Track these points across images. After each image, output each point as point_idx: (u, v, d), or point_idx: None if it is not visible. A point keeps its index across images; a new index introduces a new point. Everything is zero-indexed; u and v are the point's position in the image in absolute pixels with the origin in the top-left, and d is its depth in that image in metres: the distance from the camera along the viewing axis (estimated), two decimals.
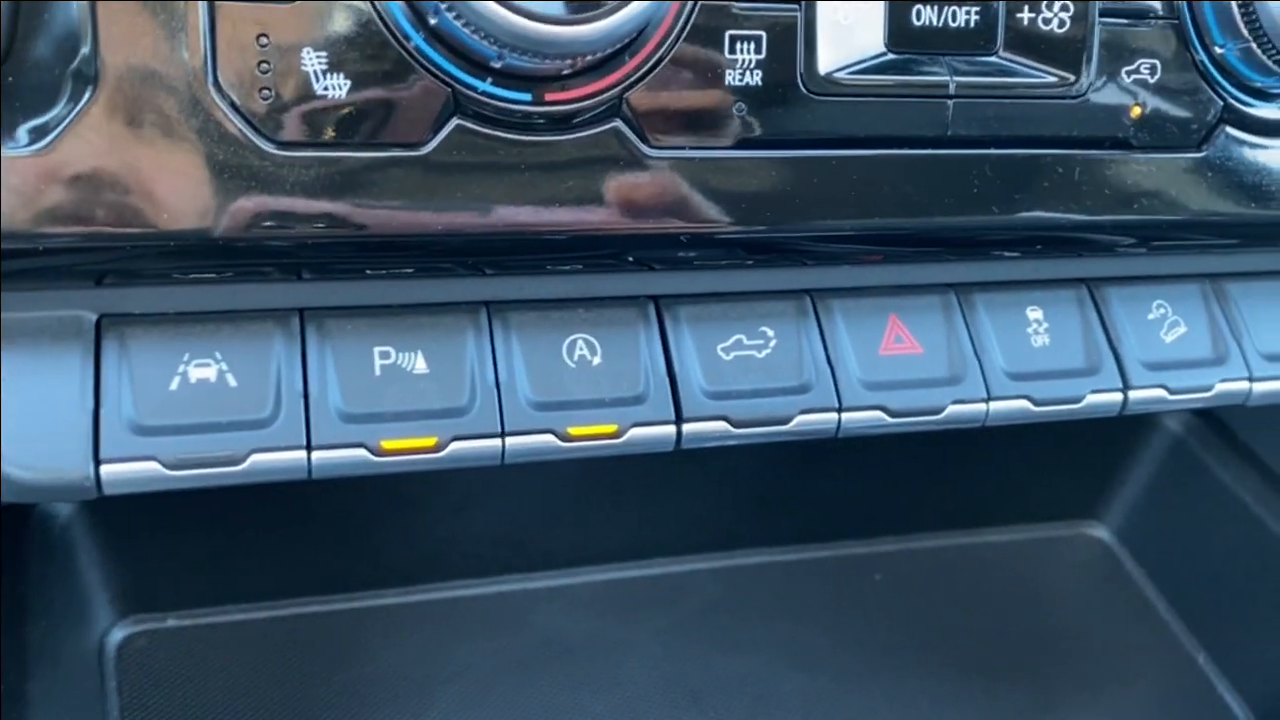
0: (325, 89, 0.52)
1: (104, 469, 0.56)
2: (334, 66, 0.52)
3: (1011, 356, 0.71)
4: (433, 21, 0.52)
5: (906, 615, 1.08)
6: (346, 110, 0.53)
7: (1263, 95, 0.67)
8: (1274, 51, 0.63)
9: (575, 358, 0.63)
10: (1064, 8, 0.62)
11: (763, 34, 0.57)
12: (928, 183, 0.62)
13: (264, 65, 0.51)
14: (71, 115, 0.50)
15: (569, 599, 1.04)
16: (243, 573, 0.97)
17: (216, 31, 0.50)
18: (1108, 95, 0.64)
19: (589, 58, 0.53)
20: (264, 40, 0.51)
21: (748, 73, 0.57)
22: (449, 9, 0.50)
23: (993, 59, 0.62)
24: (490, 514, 1.02)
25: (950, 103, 0.61)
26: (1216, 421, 1.10)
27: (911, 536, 1.14)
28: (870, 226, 0.62)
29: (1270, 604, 1.03)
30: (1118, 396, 0.73)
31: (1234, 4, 0.63)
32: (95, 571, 0.92)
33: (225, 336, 0.59)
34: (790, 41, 0.58)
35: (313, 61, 0.52)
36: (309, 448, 0.58)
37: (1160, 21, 0.64)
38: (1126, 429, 1.14)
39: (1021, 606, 1.11)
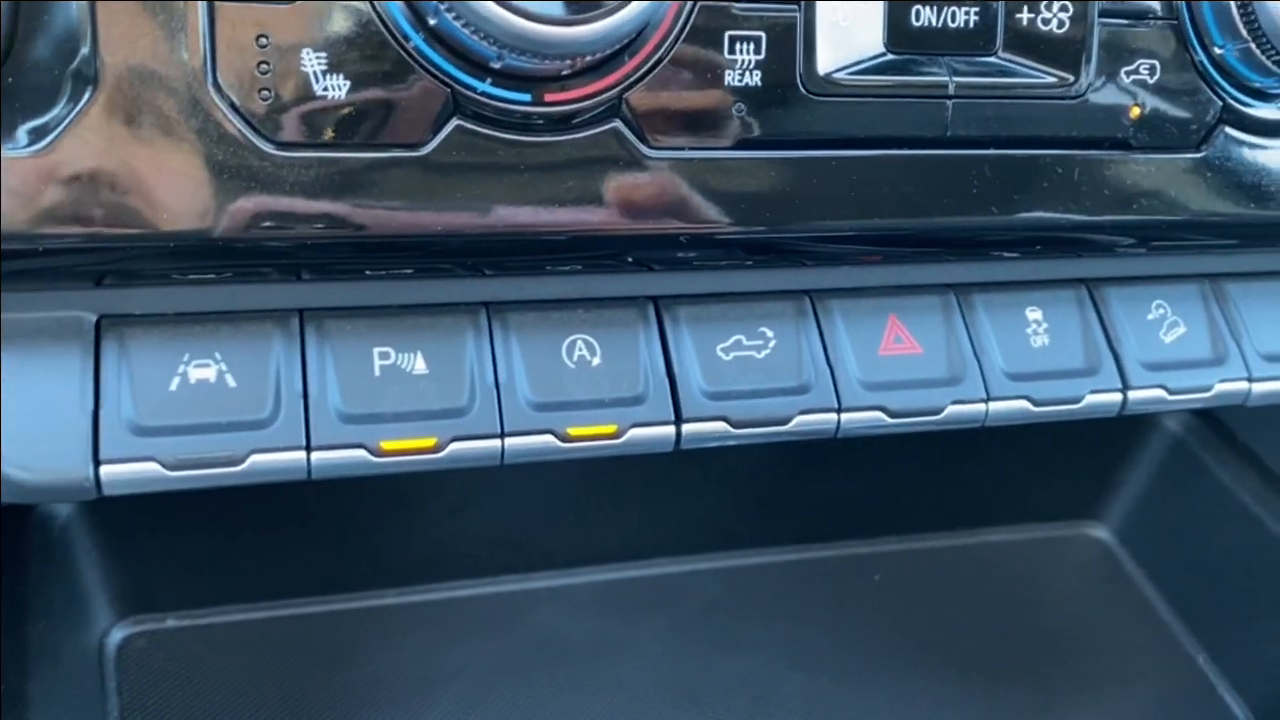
0: (325, 89, 0.52)
1: (103, 469, 0.56)
2: (334, 67, 0.52)
3: (1011, 357, 0.71)
4: (432, 22, 0.52)
5: (906, 615, 1.08)
6: (346, 111, 0.53)
7: (1262, 95, 0.67)
8: (1273, 52, 0.63)
9: (575, 358, 0.63)
10: (1063, 8, 0.62)
11: (762, 34, 0.57)
12: (927, 183, 0.62)
13: (264, 66, 0.51)
14: (71, 116, 0.50)
15: (568, 599, 1.04)
16: (242, 573, 0.97)
17: (216, 32, 0.51)
18: (1107, 95, 0.64)
19: (588, 58, 0.53)
20: (264, 41, 0.51)
21: (747, 73, 0.57)
22: (448, 9, 0.50)
23: (992, 59, 0.62)
24: (489, 514, 1.02)
25: (949, 103, 0.61)
26: (1216, 422, 1.10)
27: (911, 537, 1.14)
28: (869, 227, 0.62)
29: (1270, 604, 1.03)
30: (1117, 397, 0.73)
31: (1233, 4, 0.63)
32: (95, 572, 0.92)
33: (225, 337, 0.59)
34: (789, 42, 0.58)
35: (312, 62, 0.52)
36: (308, 448, 0.58)
37: (1159, 22, 0.64)
38: (1126, 429, 1.14)
39: (1021, 607, 1.11)
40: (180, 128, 0.51)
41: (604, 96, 0.56)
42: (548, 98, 0.55)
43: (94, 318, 0.57)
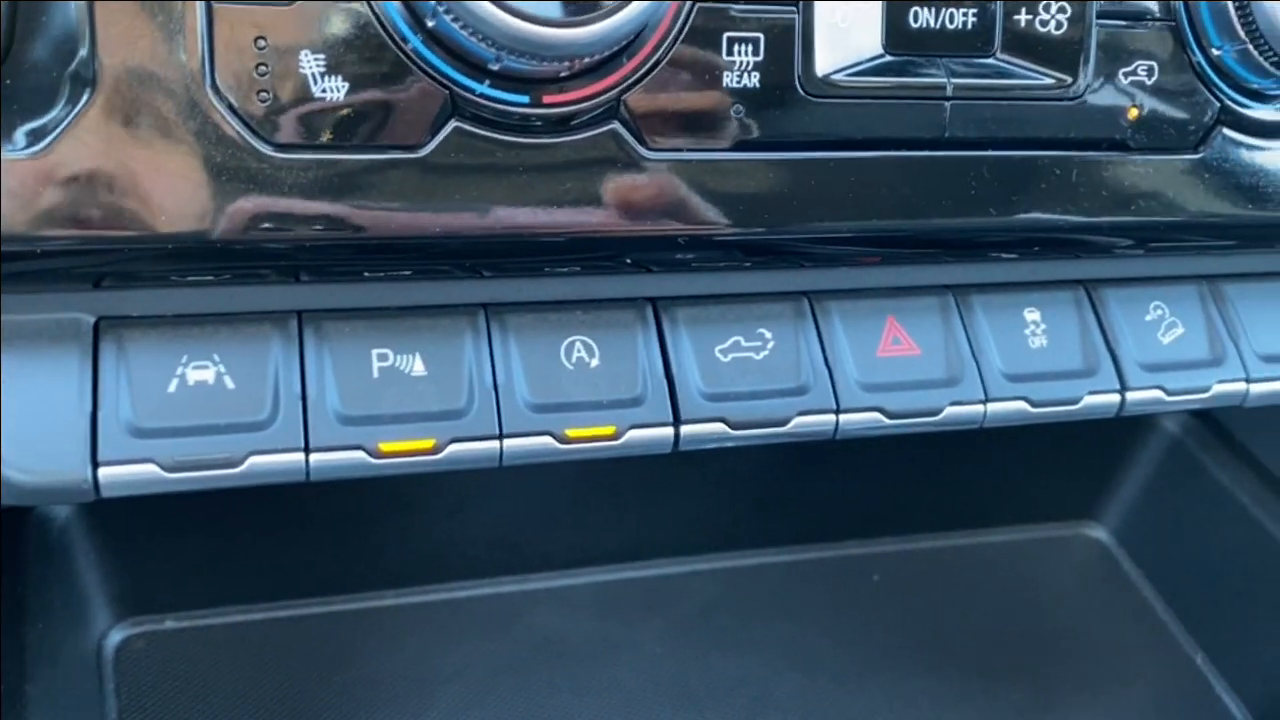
0: (323, 91, 0.52)
1: (102, 471, 0.56)
2: (332, 69, 0.52)
3: (1009, 358, 0.71)
4: (430, 24, 0.52)
5: (905, 615, 1.08)
6: (344, 112, 0.53)
7: (1259, 97, 0.67)
8: (1270, 53, 0.63)
9: (573, 360, 0.63)
10: (1061, 9, 0.62)
11: (760, 36, 0.57)
12: (925, 184, 0.62)
13: (262, 67, 0.51)
14: (69, 117, 0.50)
15: (567, 600, 1.04)
16: (241, 574, 0.97)
17: (214, 34, 0.50)
18: (1105, 97, 0.64)
19: (587, 60, 0.53)
20: (262, 42, 0.51)
21: (745, 75, 0.57)
22: (446, 11, 0.50)
23: (990, 61, 0.62)
24: (488, 515, 1.02)
25: (948, 104, 0.61)
26: (1214, 422, 1.10)
27: (910, 537, 1.14)
28: (868, 228, 0.62)
29: (1268, 604, 1.04)
30: (1115, 398, 0.73)
31: (1231, 5, 0.63)
32: (93, 573, 0.92)
33: (223, 339, 0.58)
34: (788, 43, 0.58)
35: (311, 64, 0.51)
36: (307, 450, 0.58)
37: (1157, 23, 0.64)
38: (1124, 430, 1.14)
39: (1020, 607, 1.11)
40: (178, 129, 0.51)
41: (602, 98, 0.56)
42: (546, 99, 0.55)
43: (92, 319, 0.57)
